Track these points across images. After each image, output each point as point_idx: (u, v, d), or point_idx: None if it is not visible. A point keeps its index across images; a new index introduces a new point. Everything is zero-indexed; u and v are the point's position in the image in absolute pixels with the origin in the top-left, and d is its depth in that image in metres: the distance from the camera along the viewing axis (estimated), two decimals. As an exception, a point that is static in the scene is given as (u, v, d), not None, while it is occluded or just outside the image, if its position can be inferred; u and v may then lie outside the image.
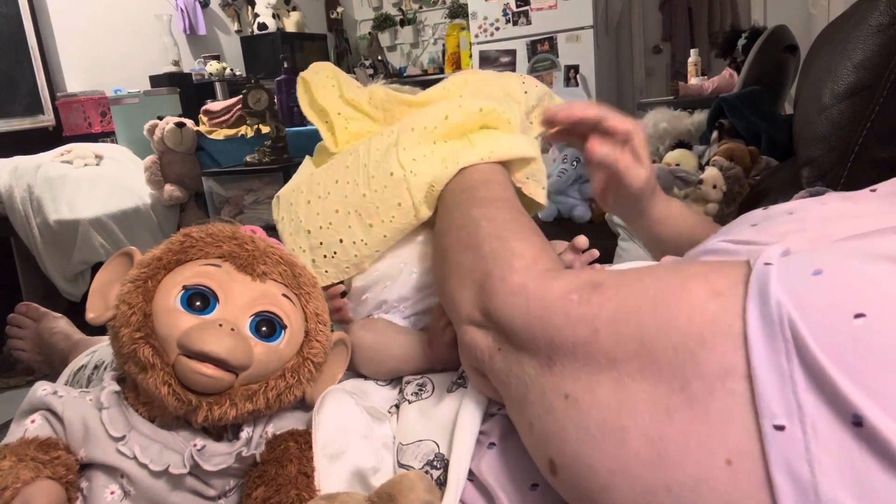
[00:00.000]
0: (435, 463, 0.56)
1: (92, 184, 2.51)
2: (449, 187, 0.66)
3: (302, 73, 0.85)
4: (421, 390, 0.65)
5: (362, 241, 0.71)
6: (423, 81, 3.88)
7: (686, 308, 0.36)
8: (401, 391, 0.68)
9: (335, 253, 0.72)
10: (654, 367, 0.35)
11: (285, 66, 2.76)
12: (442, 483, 0.54)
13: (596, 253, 0.66)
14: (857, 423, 0.28)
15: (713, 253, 0.49)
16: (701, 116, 2.03)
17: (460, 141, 0.72)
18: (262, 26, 4.39)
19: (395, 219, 0.70)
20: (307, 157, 0.89)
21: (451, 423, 0.57)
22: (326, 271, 0.74)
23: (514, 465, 0.51)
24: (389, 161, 0.70)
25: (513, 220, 0.56)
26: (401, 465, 0.58)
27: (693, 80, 3.10)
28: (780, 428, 0.30)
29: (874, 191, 0.48)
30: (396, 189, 0.70)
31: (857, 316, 0.30)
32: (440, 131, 0.71)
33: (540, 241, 0.52)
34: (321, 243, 0.73)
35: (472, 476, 0.53)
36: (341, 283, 0.78)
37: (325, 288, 0.75)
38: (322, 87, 0.84)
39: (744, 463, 0.30)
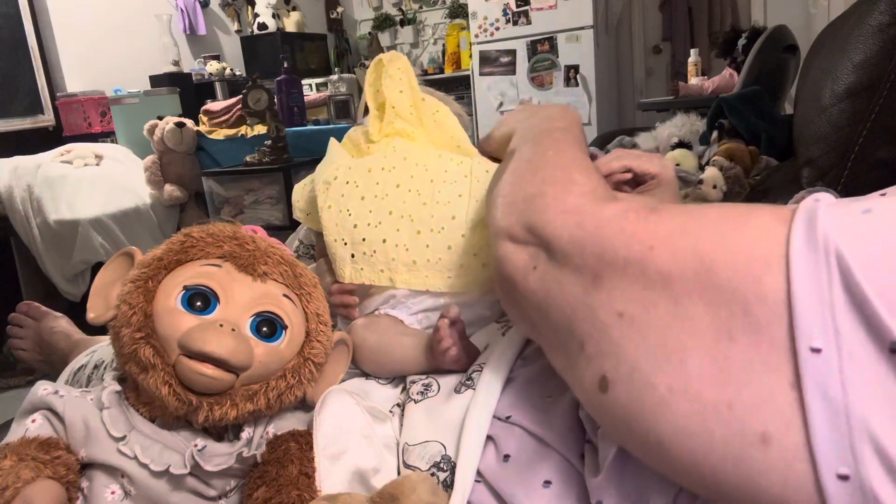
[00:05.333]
0: (441, 465, 0.56)
1: (92, 184, 2.51)
2: (529, 124, 0.65)
3: (381, 55, 0.87)
4: (427, 389, 0.65)
5: (404, 245, 0.73)
6: (423, 82, 3.88)
7: (753, 229, 0.35)
8: (405, 390, 0.68)
9: (374, 252, 0.73)
10: (713, 288, 0.35)
11: (285, 66, 2.75)
12: (449, 485, 0.54)
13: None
14: (894, 349, 0.28)
15: None
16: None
17: None
18: (262, 26, 4.39)
19: (443, 230, 0.72)
20: (333, 139, 0.90)
21: (459, 424, 0.57)
22: (362, 269, 0.74)
23: (527, 471, 0.51)
24: (461, 187, 0.74)
25: (580, 158, 0.54)
26: (406, 466, 0.58)
27: (693, 80, 3.09)
28: (816, 350, 0.30)
29: (884, 195, 0.48)
30: (457, 206, 0.73)
31: None
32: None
33: (600, 178, 0.51)
34: (364, 239, 0.74)
35: (479, 477, 0.53)
36: None
37: (343, 291, 0.76)
38: (390, 75, 0.85)
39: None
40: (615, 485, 0.43)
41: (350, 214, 0.75)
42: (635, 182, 0.73)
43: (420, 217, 0.73)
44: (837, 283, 0.30)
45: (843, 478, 0.28)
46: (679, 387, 0.34)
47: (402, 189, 0.75)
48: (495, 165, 0.76)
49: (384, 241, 0.73)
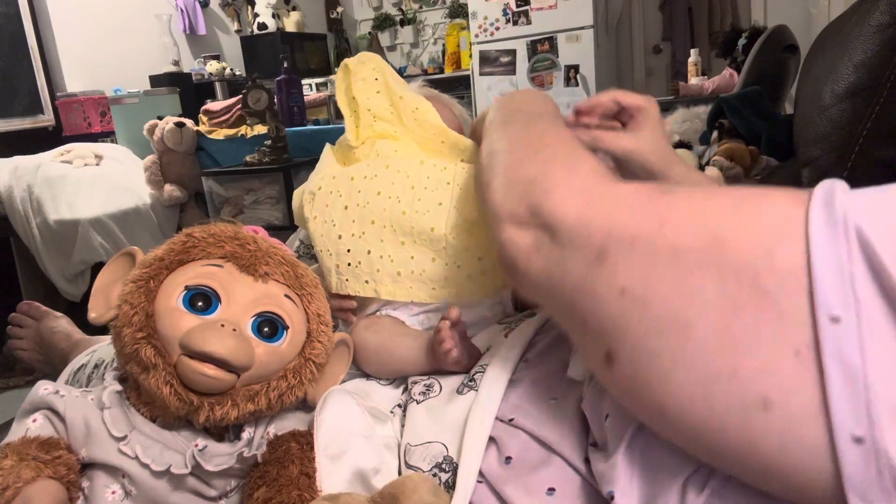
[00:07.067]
0: (444, 466, 0.56)
1: (92, 184, 2.51)
2: (504, 109, 0.63)
3: (347, 60, 0.85)
4: (428, 390, 0.65)
5: (389, 257, 0.72)
6: (423, 82, 3.88)
7: (769, 208, 0.35)
8: (406, 390, 0.68)
9: (359, 263, 0.73)
10: (722, 261, 0.35)
11: (285, 66, 2.75)
12: (450, 486, 0.54)
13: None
14: None
15: None
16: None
17: None
18: (262, 26, 4.39)
19: (426, 242, 0.72)
20: (328, 145, 0.89)
21: (461, 425, 0.57)
22: (347, 280, 0.74)
23: (530, 475, 0.51)
24: (441, 194, 0.73)
25: (575, 140, 0.53)
26: (408, 466, 0.58)
27: (693, 80, 3.10)
28: (835, 319, 0.31)
29: None
30: (436, 216, 0.71)
31: None
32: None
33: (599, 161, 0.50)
34: (349, 250, 0.73)
35: (481, 477, 0.53)
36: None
37: (340, 296, 0.75)
38: (361, 77, 0.83)
39: (810, 354, 0.31)
40: (625, 473, 0.43)
41: (335, 225, 0.75)
42: (622, 119, 0.72)
43: (401, 227, 0.72)
44: (857, 255, 0.31)
45: (858, 440, 0.29)
46: (682, 358, 0.35)
47: (382, 196, 0.74)
48: None
49: (369, 252, 0.73)
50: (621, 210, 0.41)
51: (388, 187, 0.74)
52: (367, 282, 0.73)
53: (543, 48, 3.86)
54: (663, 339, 0.36)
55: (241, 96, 2.48)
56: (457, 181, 0.74)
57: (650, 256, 0.37)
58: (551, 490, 0.49)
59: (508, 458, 0.53)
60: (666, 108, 2.83)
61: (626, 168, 0.72)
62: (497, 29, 3.98)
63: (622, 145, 0.70)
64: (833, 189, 0.34)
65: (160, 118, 2.65)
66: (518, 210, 0.48)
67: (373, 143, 0.82)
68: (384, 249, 0.72)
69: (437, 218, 0.71)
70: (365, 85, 0.83)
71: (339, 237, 0.74)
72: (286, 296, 0.61)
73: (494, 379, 0.59)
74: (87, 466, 0.56)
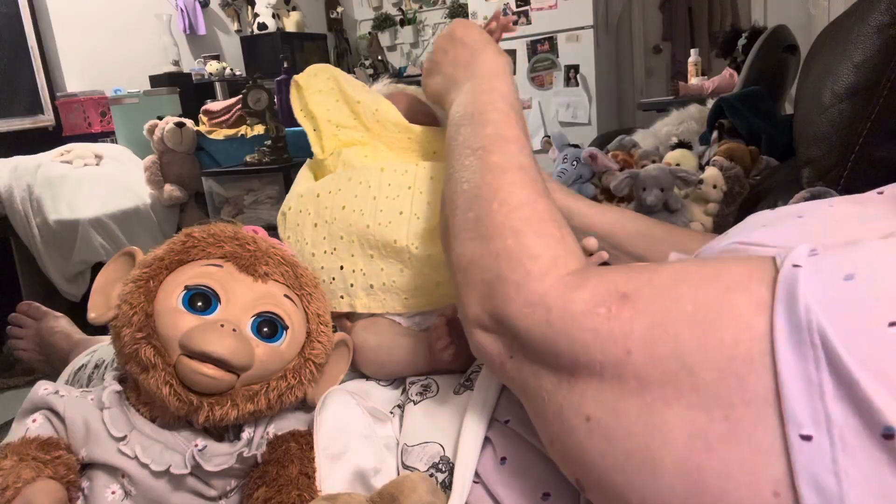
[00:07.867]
0: (440, 466, 0.56)
1: (92, 184, 2.51)
2: (459, 140, 0.57)
3: (296, 77, 0.84)
4: (426, 390, 0.65)
5: (361, 270, 0.72)
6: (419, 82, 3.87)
7: (731, 325, 0.33)
8: (404, 391, 0.68)
9: (333, 279, 0.73)
10: (692, 392, 0.33)
11: (285, 66, 2.76)
12: (447, 486, 0.54)
13: (605, 255, 0.66)
14: (887, 435, 0.27)
15: (728, 253, 0.48)
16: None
17: None
18: (262, 26, 4.39)
19: (391, 253, 0.72)
20: (308, 161, 0.89)
21: (457, 425, 0.57)
22: None
23: (524, 478, 0.50)
24: (402, 201, 0.72)
25: (529, 205, 0.49)
26: (405, 467, 0.58)
27: (693, 80, 3.10)
28: (806, 438, 0.29)
29: (881, 193, 0.47)
30: (397, 227, 0.71)
31: (892, 324, 0.29)
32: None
33: (559, 233, 0.47)
34: (322, 267, 0.74)
35: (477, 478, 0.53)
36: None
37: None
38: (317, 90, 0.83)
39: (790, 493, 0.29)
40: None
41: (307, 243, 0.76)
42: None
43: (367, 241, 0.72)
44: (824, 366, 0.29)
45: None
46: (653, 501, 0.33)
47: (347, 211, 0.74)
48: (441, 168, 0.74)
49: (341, 267, 0.73)
50: (585, 333, 0.39)
51: (352, 200, 0.74)
52: (342, 297, 0.73)
53: (543, 48, 3.86)
54: (629, 476, 0.35)
55: (241, 96, 2.48)
56: (417, 185, 0.73)
57: (619, 386, 0.36)
58: (546, 495, 0.49)
59: (503, 459, 0.53)
60: (665, 109, 2.84)
61: None
62: (497, 29, 3.98)
63: None
64: (795, 281, 0.32)
65: (160, 118, 2.65)
66: (482, 317, 0.47)
67: (339, 154, 0.81)
68: (355, 263, 0.73)
69: (399, 229, 0.71)
70: (322, 97, 0.82)
71: (313, 255, 0.75)
72: (286, 296, 0.61)
73: (491, 379, 0.59)
74: (86, 466, 0.56)
